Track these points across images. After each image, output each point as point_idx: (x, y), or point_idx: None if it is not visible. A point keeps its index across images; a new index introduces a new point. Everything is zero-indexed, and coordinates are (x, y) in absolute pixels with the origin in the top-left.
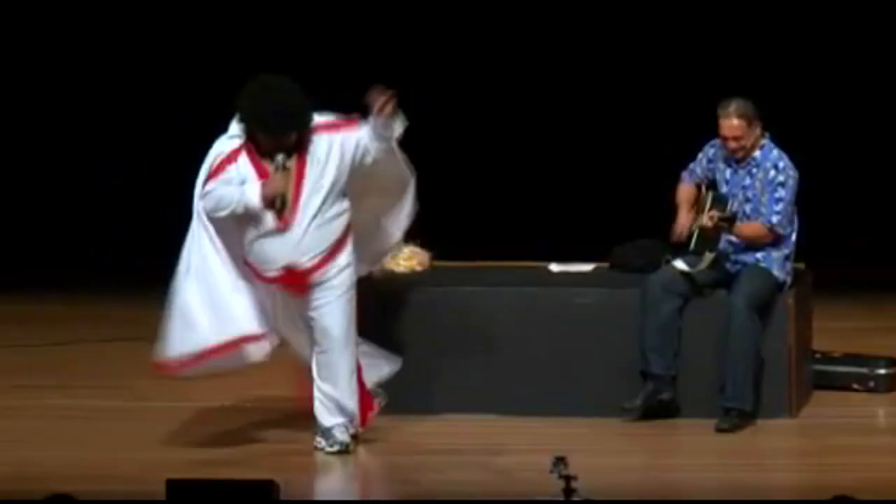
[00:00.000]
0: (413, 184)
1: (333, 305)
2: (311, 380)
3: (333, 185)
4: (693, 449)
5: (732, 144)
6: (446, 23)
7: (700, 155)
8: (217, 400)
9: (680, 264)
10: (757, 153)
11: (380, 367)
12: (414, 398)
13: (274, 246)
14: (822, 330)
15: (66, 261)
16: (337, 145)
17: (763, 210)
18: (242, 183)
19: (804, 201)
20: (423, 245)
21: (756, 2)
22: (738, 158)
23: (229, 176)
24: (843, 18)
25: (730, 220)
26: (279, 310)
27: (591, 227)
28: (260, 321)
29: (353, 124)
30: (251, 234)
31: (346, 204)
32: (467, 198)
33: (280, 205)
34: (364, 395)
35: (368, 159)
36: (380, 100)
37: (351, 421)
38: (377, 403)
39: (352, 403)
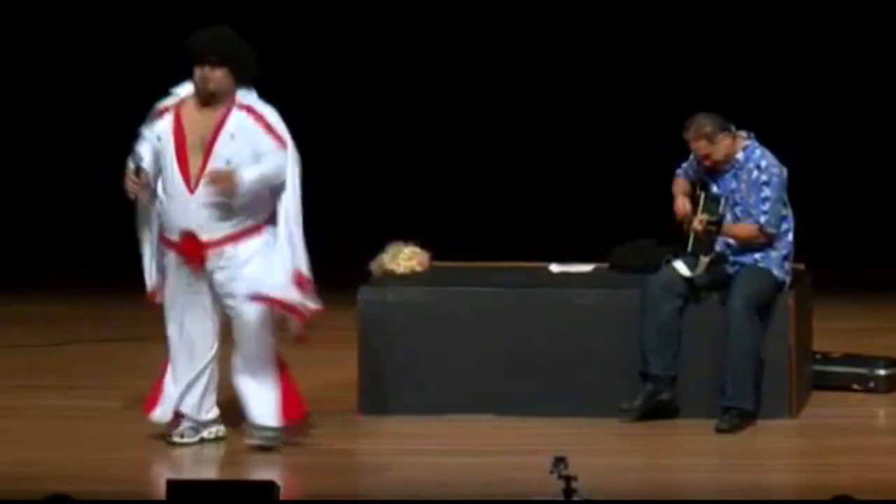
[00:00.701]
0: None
1: (247, 294)
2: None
3: (233, 164)
4: (693, 449)
5: (706, 162)
6: (448, 23)
7: (692, 157)
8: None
9: (679, 266)
10: (740, 155)
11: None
12: (414, 398)
13: (178, 208)
14: (821, 330)
15: (66, 261)
16: (250, 131)
17: (752, 211)
18: (158, 139)
19: (805, 201)
20: (422, 245)
21: (758, 2)
22: (719, 169)
23: (151, 133)
24: (845, 16)
25: (717, 224)
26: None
27: (590, 228)
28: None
29: (276, 132)
30: (162, 195)
31: (260, 201)
32: (467, 198)
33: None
34: (290, 392)
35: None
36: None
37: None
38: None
39: (267, 396)
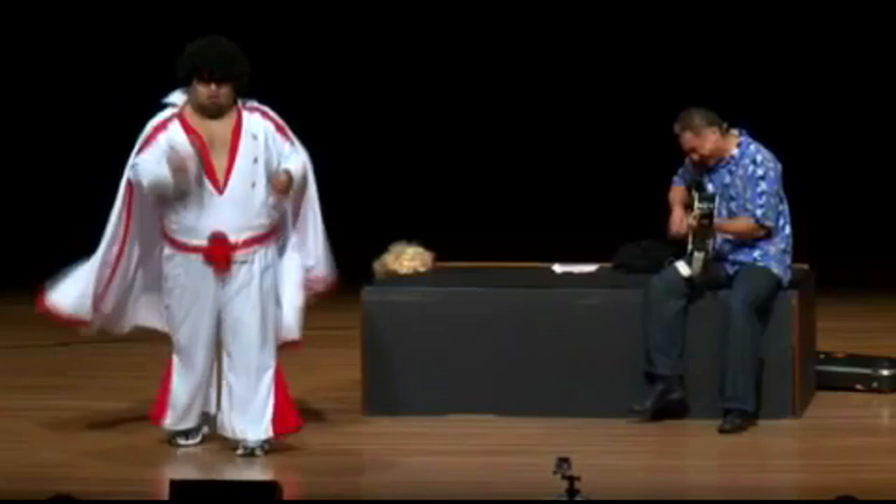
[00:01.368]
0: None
1: (253, 301)
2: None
3: (259, 164)
4: (697, 450)
5: (693, 156)
6: (453, 23)
7: (686, 160)
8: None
9: (680, 265)
10: (734, 151)
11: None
12: (417, 398)
13: (204, 210)
14: (825, 330)
15: (69, 261)
16: (270, 133)
17: (748, 206)
18: (172, 149)
19: (809, 200)
20: (426, 246)
21: (763, 2)
22: (710, 164)
23: (158, 145)
24: (849, 17)
25: (709, 216)
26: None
27: (594, 228)
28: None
29: (288, 134)
30: (181, 199)
31: (278, 204)
32: (470, 198)
33: (196, 170)
34: (284, 401)
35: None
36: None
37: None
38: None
39: (262, 406)
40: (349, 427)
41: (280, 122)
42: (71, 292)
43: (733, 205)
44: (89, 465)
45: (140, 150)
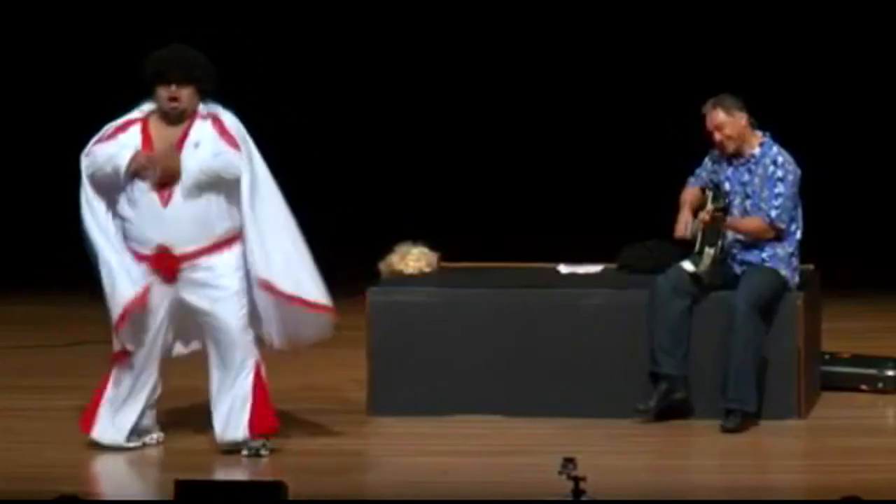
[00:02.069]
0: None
1: (227, 302)
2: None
3: (204, 174)
4: (701, 450)
5: (717, 136)
6: (458, 23)
7: (706, 159)
8: None
9: (686, 265)
10: (756, 150)
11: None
12: (422, 399)
13: (148, 223)
14: (830, 331)
15: (73, 261)
16: (209, 138)
17: (763, 206)
18: (124, 150)
19: (813, 200)
20: (431, 246)
21: (764, 5)
22: (731, 153)
23: (117, 142)
24: (849, 18)
25: (724, 211)
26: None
27: (599, 228)
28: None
29: (234, 140)
30: (132, 209)
31: (232, 210)
32: (476, 199)
33: (152, 179)
34: (262, 402)
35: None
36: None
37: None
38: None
39: (240, 406)
40: (354, 427)
41: (227, 125)
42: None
43: (748, 203)
44: (93, 465)
45: (96, 144)
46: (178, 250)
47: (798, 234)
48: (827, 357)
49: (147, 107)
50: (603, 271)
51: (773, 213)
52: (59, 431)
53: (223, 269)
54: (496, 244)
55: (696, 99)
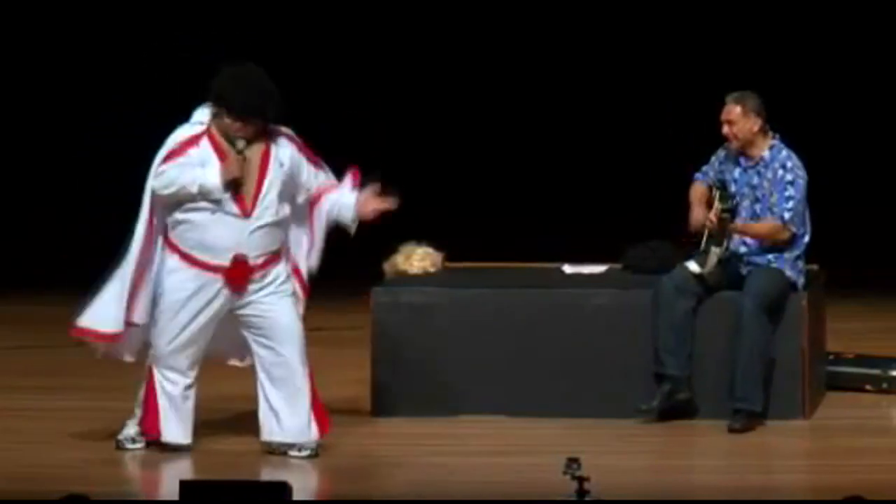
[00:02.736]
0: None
1: (289, 307)
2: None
3: (285, 189)
4: (706, 450)
5: (725, 128)
6: (461, 24)
7: (713, 158)
8: (228, 401)
9: (691, 265)
10: (766, 153)
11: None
12: (426, 399)
13: (228, 233)
14: (834, 331)
15: (77, 261)
16: (296, 158)
17: (774, 209)
18: (202, 166)
19: (818, 201)
20: (435, 246)
21: (765, 5)
22: (743, 154)
23: (189, 159)
24: (851, 18)
25: (731, 212)
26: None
27: (604, 229)
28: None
29: (316, 158)
30: (204, 218)
31: (289, 222)
32: (480, 199)
33: (235, 189)
34: (320, 402)
35: (302, 197)
36: (372, 200)
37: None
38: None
39: (307, 408)
40: (358, 428)
41: (303, 144)
42: (100, 309)
43: (758, 207)
44: (97, 465)
45: (166, 160)
46: (253, 261)
47: (806, 239)
48: (831, 357)
49: (202, 116)
50: (607, 271)
51: (787, 216)
52: (60, 431)
53: (283, 275)
54: (500, 244)
55: (698, 100)
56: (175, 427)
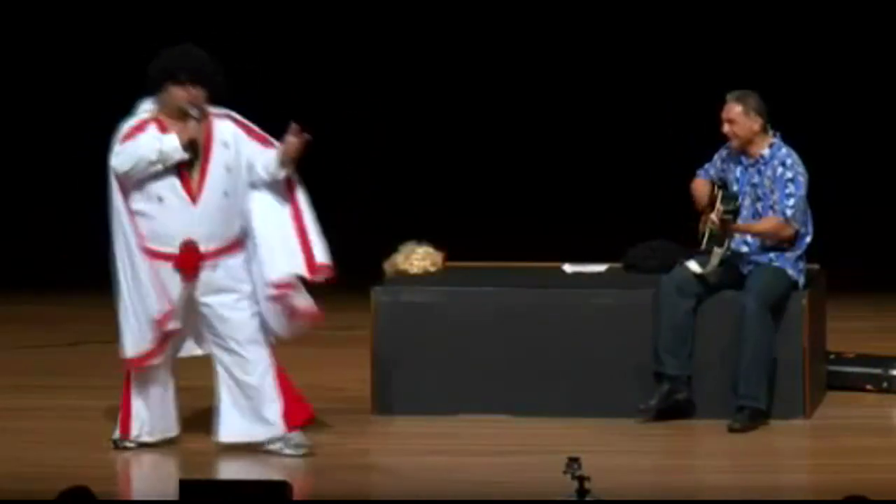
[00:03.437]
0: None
1: (244, 302)
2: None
3: (232, 172)
4: (706, 450)
5: (726, 127)
6: (463, 22)
7: (715, 157)
8: None
9: (692, 265)
10: (766, 151)
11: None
12: (427, 399)
13: (176, 219)
14: (835, 330)
15: (81, 261)
16: (237, 137)
17: (776, 206)
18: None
19: (819, 200)
20: (436, 245)
21: (782, 7)
22: (744, 152)
23: (137, 142)
24: (852, 15)
25: (734, 213)
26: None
27: (604, 228)
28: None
29: (262, 136)
30: (153, 208)
31: (243, 210)
32: (480, 198)
33: (194, 152)
34: (292, 394)
35: (256, 177)
36: (294, 140)
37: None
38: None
39: (272, 405)
40: (359, 427)
41: (248, 124)
42: (128, 335)
43: (759, 205)
44: (98, 464)
45: (122, 143)
46: (203, 247)
47: (808, 238)
48: (832, 357)
49: (148, 106)
50: (608, 271)
51: (789, 213)
52: (60, 431)
53: (238, 270)
54: (501, 243)
55: (699, 100)
56: (148, 424)
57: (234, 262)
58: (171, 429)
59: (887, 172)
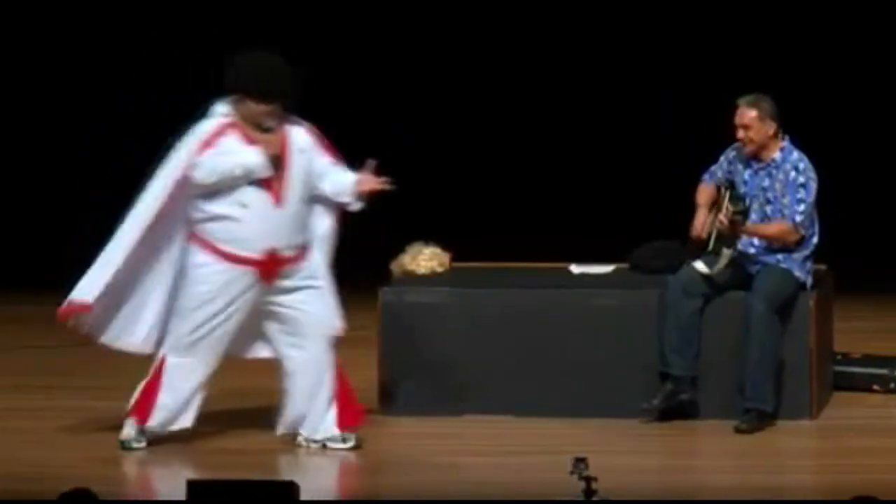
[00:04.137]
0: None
1: (322, 300)
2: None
3: (306, 179)
4: (712, 450)
5: (741, 133)
6: (467, 23)
7: (721, 158)
8: (234, 401)
9: (699, 265)
10: (777, 155)
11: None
12: (433, 399)
13: (262, 224)
14: (841, 331)
15: (84, 261)
16: (311, 146)
17: (785, 211)
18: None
19: (825, 200)
20: (443, 246)
21: (787, 7)
22: (752, 156)
23: (221, 149)
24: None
25: (744, 214)
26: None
27: (611, 229)
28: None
29: (331, 150)
30: (237, 211)
31: (312, 217)
32: (487, 199)
33: (276, 167)
34: (346, 394)
35: (319, 186)
36: (371, 180)
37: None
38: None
39: (330, 403)
40: (365, 427)
41: (318, 134)
42: (82, 282)
43: (769, 209)
44: (104, 464)
45: (199, 153)
46: (285, 253)
47: (815, 240)
48: (839, 357)
49: (223, 110)
50: (614, 271)
51: (798, 218)
52: (60, 431)
53: (316, 269)
54: (508, 244)
55: (705, 100)
56: (171, 418)
57: (308, 262)
58: (189, 420)
59: (893, 172)
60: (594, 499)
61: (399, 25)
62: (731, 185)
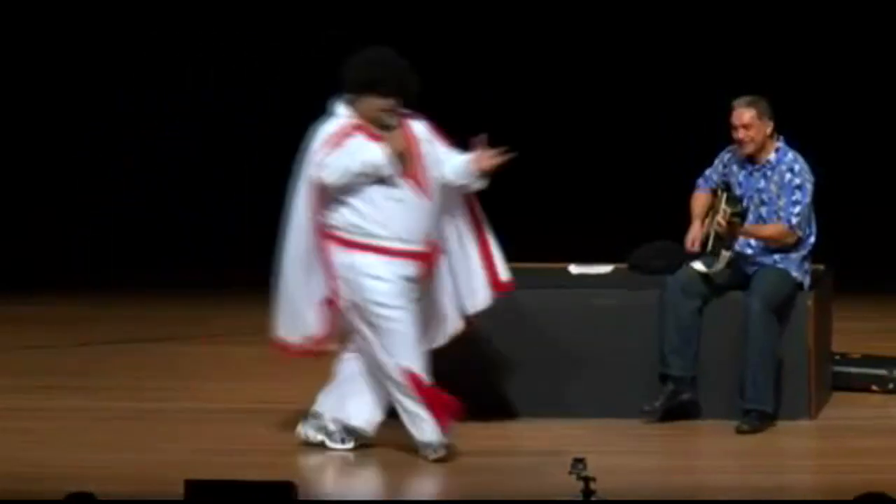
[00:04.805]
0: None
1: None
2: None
3: (436, 167)
4: (712, 450)
5: (740, 133)
6: (471, 24)
7: (716, 161)
8: (234, 401)
9: (698, 265)
10: (772, 156)
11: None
12: None
13: (417, 217)
14: (840, 331)
15: (89, 262)
16: (431, 137)
17: (781, 213)
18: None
19: (824, 200)
20: None
21: (785, 8)
22: (749, 157)
23: (349, 148)
24: (862, 14)
25: (741, 215)
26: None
27: (610, 229)
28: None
29: (444, 137)
30: (393, 207)
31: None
32: (486, 199)
33: (403, 163)
34: (435, 396)
35: (442, 174)
36: (485, 156)
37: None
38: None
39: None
40: None
41: (435, 127)
42: (289, 320)
43: (764, 210)
44: (104, 464)
45: (326, 153)
46: (436, 242)
47: (812, 240)
48: (837, 357)
49: (344, 110)
50: (614, 272)
51: (794, 220)
52: (60, 431)
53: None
54: (507, 244)
55: (704, 100)
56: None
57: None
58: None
59: (894, 172)
60: (593, 499)
61: (399, 25)
62: (728, 188)
